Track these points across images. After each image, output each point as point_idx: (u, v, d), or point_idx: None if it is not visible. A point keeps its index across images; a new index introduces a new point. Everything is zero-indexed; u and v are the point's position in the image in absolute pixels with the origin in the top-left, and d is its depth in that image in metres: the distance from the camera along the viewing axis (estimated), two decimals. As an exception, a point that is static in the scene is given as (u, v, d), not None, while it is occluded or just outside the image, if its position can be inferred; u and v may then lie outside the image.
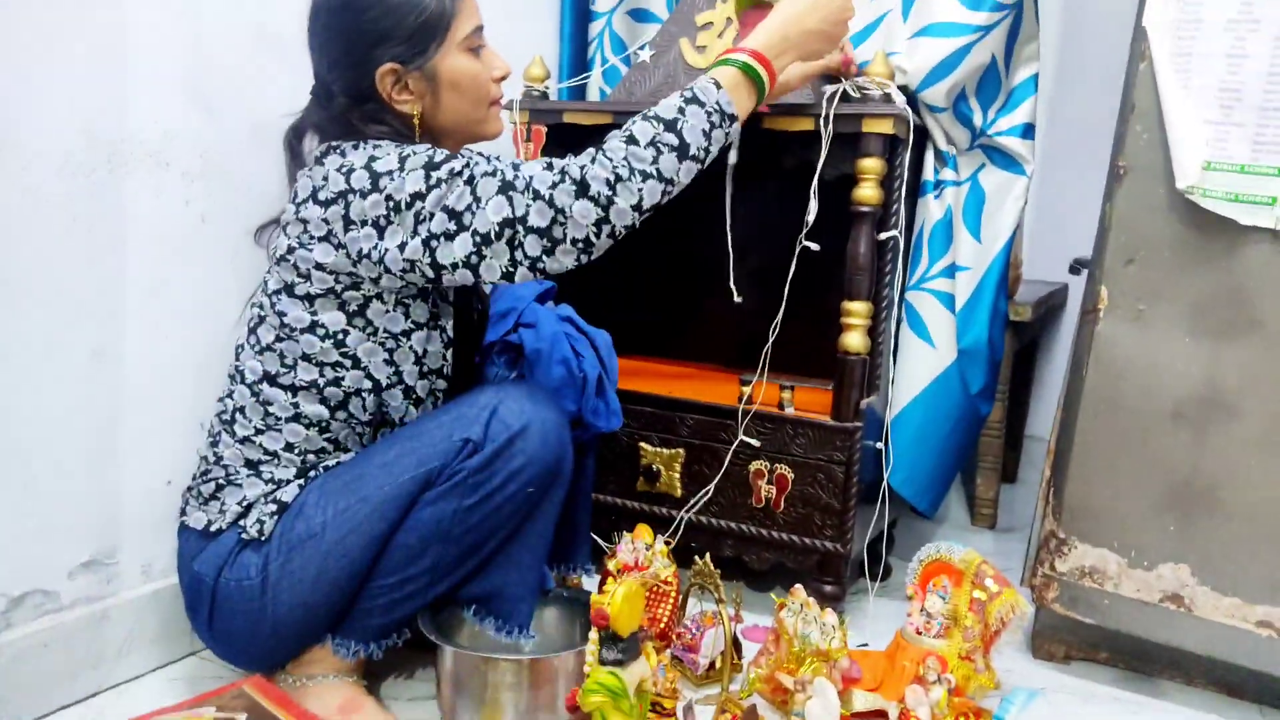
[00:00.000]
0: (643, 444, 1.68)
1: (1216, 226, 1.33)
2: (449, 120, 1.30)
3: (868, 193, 1.50)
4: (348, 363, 1.23)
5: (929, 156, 1.66)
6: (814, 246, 1.50)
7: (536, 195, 1.11)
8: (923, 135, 1.64)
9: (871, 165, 1.49)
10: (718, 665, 1.41)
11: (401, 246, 1.14)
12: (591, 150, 1.15)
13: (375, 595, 1.23)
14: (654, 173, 1.13)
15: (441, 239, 1.13)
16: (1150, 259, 1.39)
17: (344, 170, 1.17)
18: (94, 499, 1.32)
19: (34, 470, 1.24)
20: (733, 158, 1.56)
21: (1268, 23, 1.27)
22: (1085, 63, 2.54)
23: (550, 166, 1.14)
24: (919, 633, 1.37)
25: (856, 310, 1.53)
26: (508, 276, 1.14)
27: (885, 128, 1.47)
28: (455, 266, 1.14)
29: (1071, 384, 1.49)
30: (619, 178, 1.11)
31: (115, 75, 1.26)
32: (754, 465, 1.61)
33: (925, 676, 1.26)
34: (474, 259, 1.13)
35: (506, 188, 1.12)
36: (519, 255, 1.12)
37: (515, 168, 1.15)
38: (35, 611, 1.26)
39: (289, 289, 1.22)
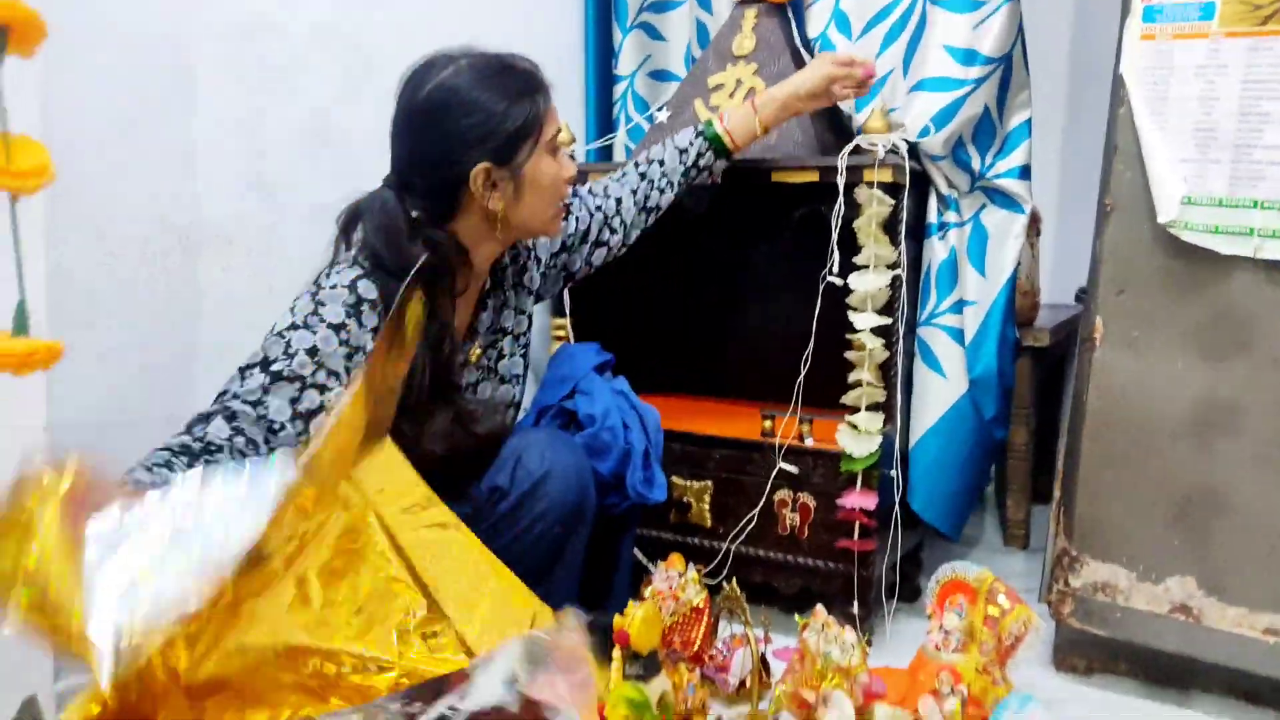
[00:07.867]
0: (674, 478, 1.79)
1: (1200, 257, 1.41)
2: (522, 217, 1.35)
3: (872, 237, 1.61)
4: None
5: (932, 201, 1.76)
6: (838, 281, 1.62)
7: None
8: (924, 181, 1.75)
9: (874, 212, 1.60)
10: (748, 684, 1.50)
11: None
12: None
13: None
14: None
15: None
16: (1140, 289, 1.48)
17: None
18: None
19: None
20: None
21: (1234, 66, 1.36)
22: (1096, 104, 2.62)
23: None
24: (938, 649, 1.45)
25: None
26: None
27: (885, 177, 1.59)
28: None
29: (1074, 408, 1.57)
30: None
31: (185, 169, 1.43)
32: (778, 495, 1.70)
33: (939, 689, 1.34)
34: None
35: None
36: None
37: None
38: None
39: None
